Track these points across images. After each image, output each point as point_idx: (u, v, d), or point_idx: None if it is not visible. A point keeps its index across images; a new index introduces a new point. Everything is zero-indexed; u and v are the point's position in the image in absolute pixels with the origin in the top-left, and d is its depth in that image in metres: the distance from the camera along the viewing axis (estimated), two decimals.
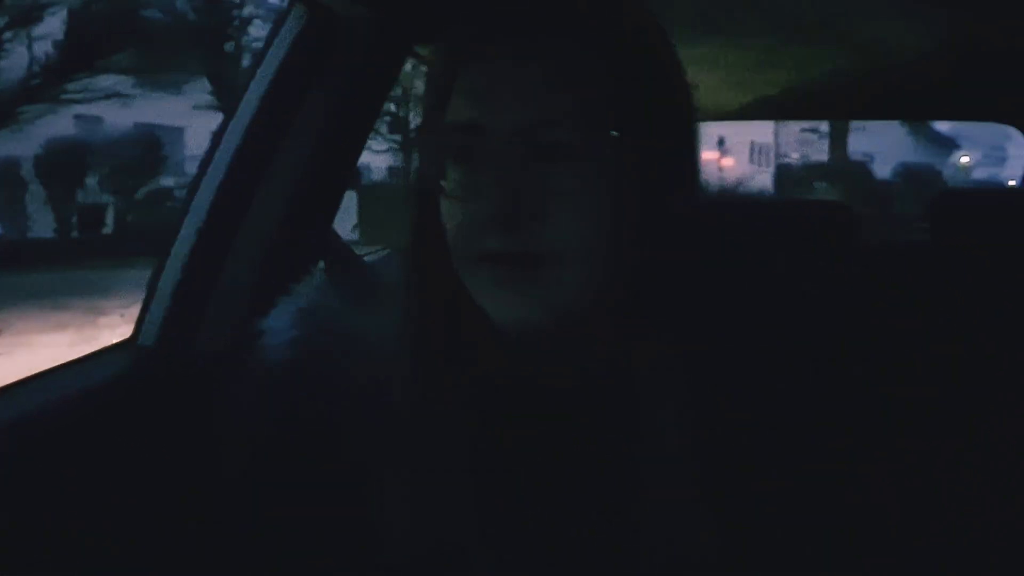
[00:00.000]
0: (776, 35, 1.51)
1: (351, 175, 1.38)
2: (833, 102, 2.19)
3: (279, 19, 1.23)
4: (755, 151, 20.43)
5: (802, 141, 19.31)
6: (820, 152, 17.89)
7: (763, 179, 18.27)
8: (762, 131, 19.68)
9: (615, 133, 0.64)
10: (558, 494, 0.66)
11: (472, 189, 0.64)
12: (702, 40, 1.36)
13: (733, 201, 2.29)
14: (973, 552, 1.30)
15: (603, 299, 0.66)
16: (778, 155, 20.79)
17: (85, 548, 0.88)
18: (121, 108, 11.05)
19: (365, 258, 1.29)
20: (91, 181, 11.26)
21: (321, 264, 0.81)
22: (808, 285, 0.71)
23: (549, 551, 0.66)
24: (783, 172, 19.35)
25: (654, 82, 0.67)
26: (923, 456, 1.28)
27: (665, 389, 0.67)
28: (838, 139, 15.55)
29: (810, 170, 17.57)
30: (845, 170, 15.31)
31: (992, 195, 2.06)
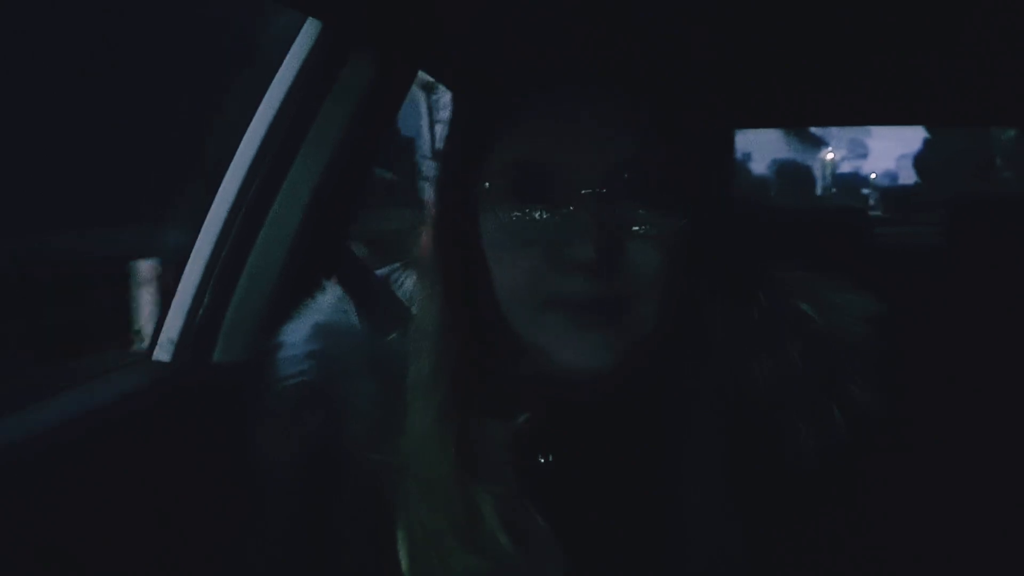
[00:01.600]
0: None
1: (365, 190, 1.38)
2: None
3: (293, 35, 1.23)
4: None
5: None
6: None
7: None
8: None
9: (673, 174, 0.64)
10: (602, 523, 0.66)
11: (549, 232, 0.62)
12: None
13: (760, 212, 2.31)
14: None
15: (661, 332, 0.65)
16: None
17: (101, 564, 0.88)
18: None
19: (378, 272, 1.29)
20: None
21: (336, 279, 0.81)
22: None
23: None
24: None
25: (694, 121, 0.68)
26: (947, 462, 1.27)
27: (705, 413, 0.66)
28: None
29: None
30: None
31: (1011, 201, 2.07)
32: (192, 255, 1.18)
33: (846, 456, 0.67)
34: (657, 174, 0.63)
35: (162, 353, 1.15)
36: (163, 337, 1.16)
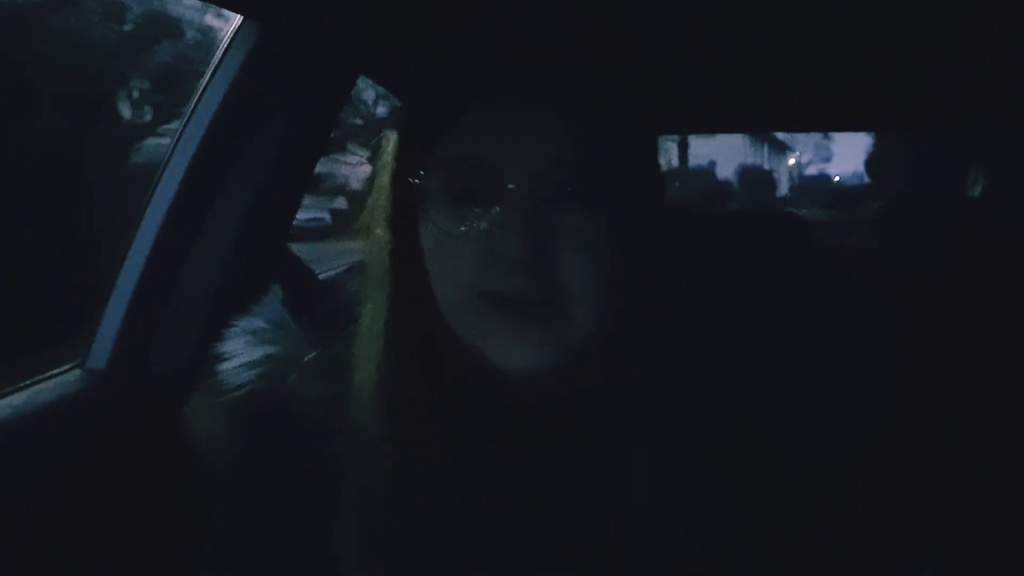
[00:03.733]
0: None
1: (305, 193, 1.37)
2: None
3: (229, 37, 1.21)
4: None
5: (665, 150, 20.80)
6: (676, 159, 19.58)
7: None
8: None
9: (611, 174, 0.64)
10: (545, 521, 0.66)
11: (482, 228, 0.63)
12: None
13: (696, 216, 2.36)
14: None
15: (600, 335, 0.65)
16: None
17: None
18: None
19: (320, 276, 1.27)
20: None
21: (277, 283, 0.80)
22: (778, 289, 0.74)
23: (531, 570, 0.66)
24: None
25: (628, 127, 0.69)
26: (905, 457, 1.30)
27: (654, 411, 0.67)
28: (683, 146, 16.66)
29: (667, 175, 19.31)
30: (691, 173, 17.12)
31: (938, 204, 2.14)
32: (128, 255, 1.15)
33: (842, 455, 0.70)
34: (591, 175, 0.64)
35: (96, 360, 1.12)
36: (97, 343, 1.13)
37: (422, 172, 0.66)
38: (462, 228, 0.64)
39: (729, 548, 0.66)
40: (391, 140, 0.70)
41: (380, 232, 0.68)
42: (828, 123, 2.66)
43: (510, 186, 0.62)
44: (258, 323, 0.73)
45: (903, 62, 1.53)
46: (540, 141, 0.64)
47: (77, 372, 1.11)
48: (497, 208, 0.63)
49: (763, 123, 2.57)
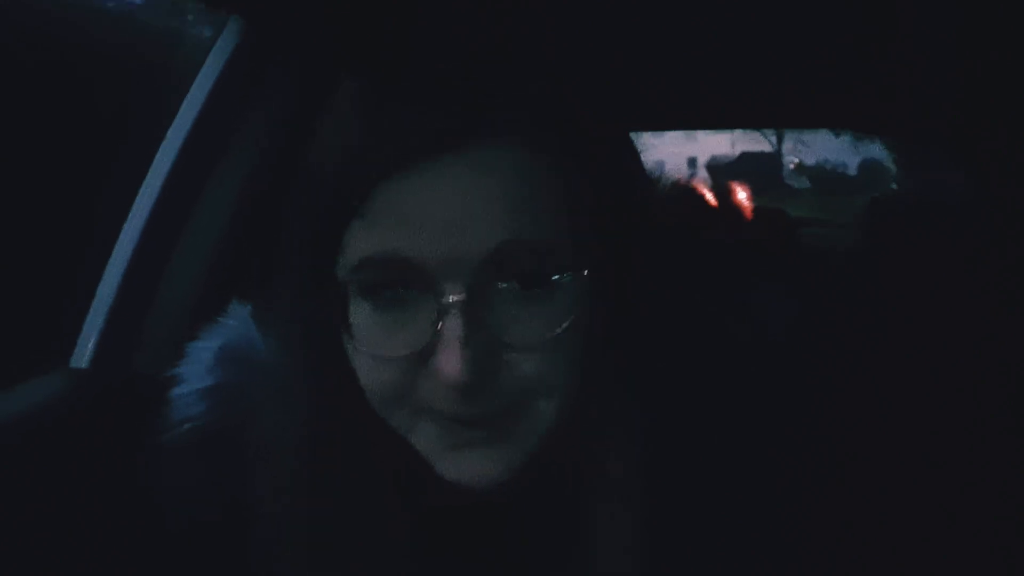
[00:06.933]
0: None
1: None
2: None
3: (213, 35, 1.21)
4: None
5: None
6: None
7: None
8: None
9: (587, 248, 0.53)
10: None
11: (407, 341, 0.51)
12: None
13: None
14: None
15: (563, 426, 0.55)
16: None
17: None
18: None
19: None
20: None
21: (249, 293, 0.72)
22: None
23: None
24: None
25: (616, 187, 0.57)
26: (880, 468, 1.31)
27: (627, 473, 0.58)
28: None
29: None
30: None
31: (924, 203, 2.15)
32: (112, 254, 1.14)
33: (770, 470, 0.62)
34: (552, 256, 0.51)
35: (79, 359, 1.10)
36: (80, 342, 1.11)
37: (338, 267, 0.53)
38: (388, 339, 0.51)
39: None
40: (290, 236, 0.57)
41: (300, 328, 0.58)
42: (802, 121, 2.67)
43: (445, 299, 0.49)
44: (220, 342, 0.65)
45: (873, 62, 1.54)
46: (486, 221, 0.49)
47: (60, 372, 1.10)
48: (428, 316, 0.50)
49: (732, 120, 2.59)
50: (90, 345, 1.10)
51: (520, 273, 0.51)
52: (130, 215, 1.15)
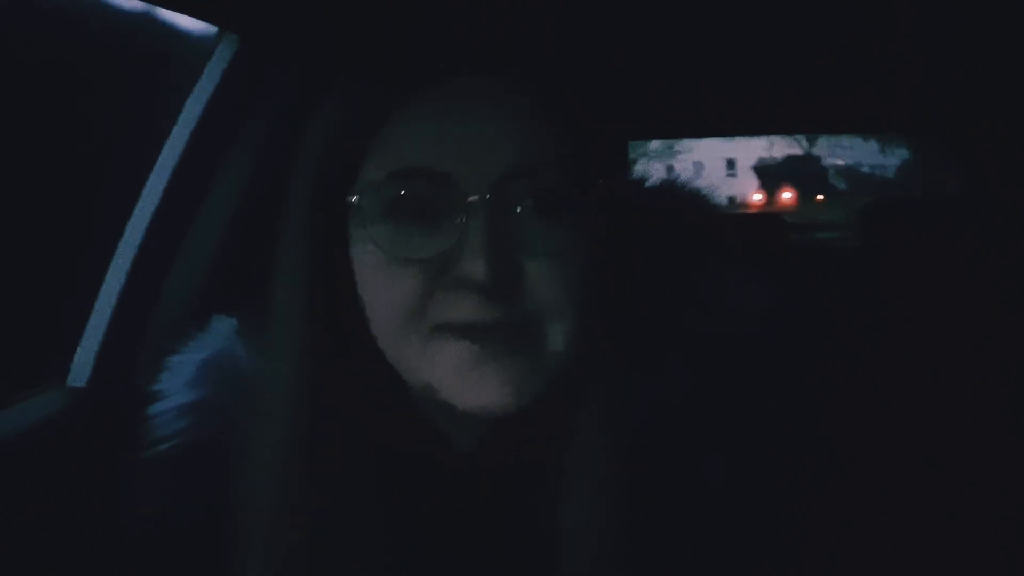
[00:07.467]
0: None
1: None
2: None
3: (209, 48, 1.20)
4: None
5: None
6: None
7: None
8: None
9: (597, 178, 0.56)
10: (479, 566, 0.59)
11: (433, 252, 0.53)
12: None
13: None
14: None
15: (577, 358, 0.56)
16: None
17: None
18: None
19: None
20: None
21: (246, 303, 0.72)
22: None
23: None
24: None
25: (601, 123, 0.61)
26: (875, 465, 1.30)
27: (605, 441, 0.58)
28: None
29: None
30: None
31: (919, 202, 2.15)
32: (109, 271, 1.13)
33: (755, 467, 0.63)
34: (560, 180, 0.55)
35: (77, 378, 1.09)
36: (77, 360, 1.10)
37: (353, 187, 0.56)
38: (409, 248, 0.54)
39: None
40: (307, 154, 0.59)
41: (299, 267, 0.58)
42: (806, 126, 2.68)
43: (471, 199, 0.52)
44: (204, 355, 0.64)
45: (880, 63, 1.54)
46: (500, 142, 0.54)
47: (57, 390, 1.08)
48: (453, 223, 0.53)
49: (748, 125, 2.58)
50: (88, 362, 1.09)
51: (536, 191, 0.54)
52: (129, 223, 1.14)
